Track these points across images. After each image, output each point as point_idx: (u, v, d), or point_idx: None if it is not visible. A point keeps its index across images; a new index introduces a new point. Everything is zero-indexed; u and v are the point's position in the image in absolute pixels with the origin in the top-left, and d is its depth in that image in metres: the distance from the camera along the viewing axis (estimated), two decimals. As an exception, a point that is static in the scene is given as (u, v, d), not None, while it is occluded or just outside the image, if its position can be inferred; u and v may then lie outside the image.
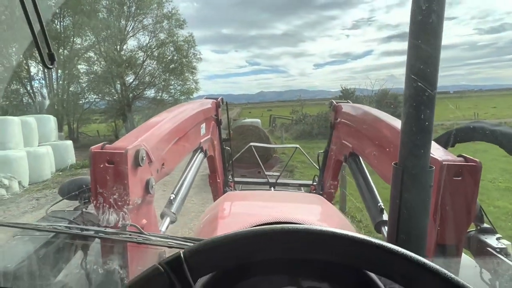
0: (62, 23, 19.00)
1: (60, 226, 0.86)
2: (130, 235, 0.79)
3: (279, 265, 0.54)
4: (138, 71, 20.52)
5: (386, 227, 1.21)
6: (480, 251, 0.95)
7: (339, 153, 2.00)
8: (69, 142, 12.39)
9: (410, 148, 0.57)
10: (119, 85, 19.69)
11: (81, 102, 20.03)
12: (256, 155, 3.39)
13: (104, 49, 19.28)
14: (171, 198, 1.37)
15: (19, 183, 8.28)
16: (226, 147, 2.39)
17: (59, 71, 19.22)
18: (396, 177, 0.61)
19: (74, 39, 19.28)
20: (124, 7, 19.67)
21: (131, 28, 20.35)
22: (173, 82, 21.50)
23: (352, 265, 0.44)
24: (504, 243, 0.93)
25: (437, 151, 0.91)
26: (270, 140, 6.67)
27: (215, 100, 2.08)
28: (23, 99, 19.21)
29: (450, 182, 0.83)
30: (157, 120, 1.27)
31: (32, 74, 19.10)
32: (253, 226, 0.63)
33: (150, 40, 20.89)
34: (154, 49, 20.82)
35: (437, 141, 1.06)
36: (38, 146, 10.85)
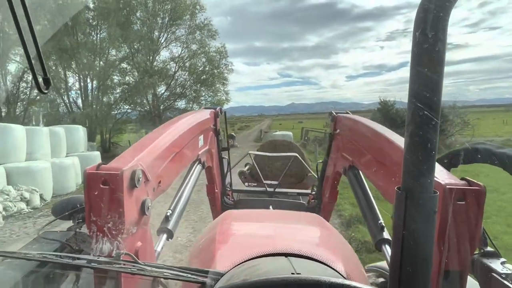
0: (98, 35, 19.47)
1: (50, 254, 0.84)
2: (124, 264, 0.79)
3: None
4: (169, 82, 20.52)
5: (387, 246, 1.22)
6: (485, 275, 0.93)
7: (338, 165, 1.98)
8: (97, 153, 12.20)
9: (414, 174, 0.57)
10: (150, 96, 19.71)
11: (114, 112, 20.25)
12: (255, 164, 3.38)
13: (137, 60, 19.44)
14: (168, 214, 1.33)
15: (41, 196, 7.97)
16: (225, 157, 2.35)
17: (94, 82, 19.65)
18: (399, 202, 0.59)
19: (109, 51, 19.64)
20: (158, 19, 19.83)
21: (164, 39, 20.49)
22: (203, 93, 21.33)
23: None
24: (510, 268, 0.92)
25: (440, 174, 0.90)
26: (305, 156, 5.99)
27: (213, 110, 2.05)
28: (59, 109, 19.72)
29: (454, 207, 0.82)
30: (154, 136, 1.24)
31: (69, 84, 19.64)
32: (255, 257, 0.84)
33: (182, 51, 20.92)
34: (186, 60, 20.78)
35: (439, 161, 1.04)
36: (66, 156, 10.69)
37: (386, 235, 1.28)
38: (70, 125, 12.06)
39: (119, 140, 22.33)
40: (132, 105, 20.28)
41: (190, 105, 21.33)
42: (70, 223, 1.12)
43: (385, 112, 19.57)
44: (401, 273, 0.59)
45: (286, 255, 0.89)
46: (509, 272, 0.91)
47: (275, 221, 1.40)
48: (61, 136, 10.51)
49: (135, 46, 19.62)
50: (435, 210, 0.58)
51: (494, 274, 0.91)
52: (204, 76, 20.80)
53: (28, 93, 20.06)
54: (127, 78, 20.28)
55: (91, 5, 18.93)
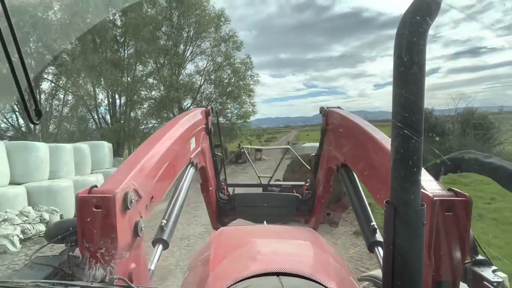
0: (126, 52, 19.73)
1: (43, 282, 0.80)
2: None
3: None
4: (195, 95, 20.35)
5: (379, 248, 1.24)
6: (477, 284, 0.94)
7: (330, 161, 1.97)
8: (122, 169, 11.90)
9: (401, 189, 0.59)
10: (177, 110, 19.57)
11: (141, 127, 20.32)
12: (248, 157, 3.57)
13: (163, 75, 19.46)
14: (162, 224, 1.32)
15: (61, 217, 7.60)
16: (218, 153, 2.33)
17: (122, 97, 19.85)
18: (388, 216, 0.62)
19: (136, 66, 19.82)
20: (183, 32, 19.82)
21: (189, 52, 20.44)
22: (229, 106, 20.93)
23: None
24: (500, 276, 0.93)
25: (428, 184, 0.92)
26: None
27: (204, 109, 2.03)
28: (88, 125, 20.01)
29: (442, 218, 0.84)
30: (145, 150, 1.21)
31: (98, 101, 19.94)
32: (247, 278, 0.84)
33: (208, 64, 20.76)
34: (212, 73, 20.57)
35: (428, 169, 1.04)
36: (91, 173, 10.43)
37: (379, 237, 1.28)
38: (95, 141, 11.88)
39: (146, 155, 22.34)
40: (158, 120, 20.24)
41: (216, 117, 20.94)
42: (63, 247, 1.09)
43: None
44: (393, 284, 0.61)
45: (278, 274, 0.89)
46: (500, 280, 0.91)
47: (268, 239, 1.40)
48: (85, 153, 10.29)
49: (161, 61, 19.66)
50: (423, 222, 0.60)
51: (486, 283, 0.91)
52: (230, 88, 20.46)
53: (60, 110, 20.69)
54: (153, 92, 20.33)
55: (119, 23, 19.31)
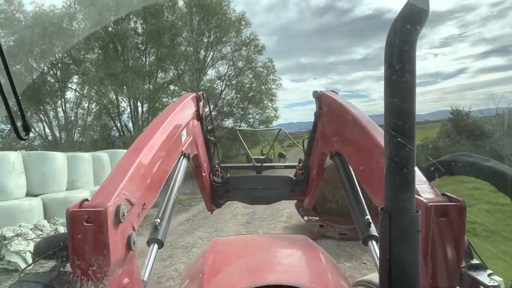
0: (148, 59, 19.71)
1: None
2: None
3: None
4: (216, 101, 19.99)
5: (373, 242, 1.23)
6: None
7: (323, 146, 1.94)
8: (142, 178, 11.57)
9: (395, 197, 0.60)
10: (197, 116, 19.26)
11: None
12: (241, 139, 3.85)
13: (184, 81, 19.27)
14: (156, 223, 1.28)
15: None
16: (210, 137, 2.28)
17: (144, 105, 19.81)
18: (383, 224, 0.63)
19: (157, 73, 19.75)
20: (204, 37, 19.58)
21: (210, 58, 20.16)
22: (251, 111, 20.44)
23: None
24: (496, 279, 0.95)
25: (422, 189, 0.92)
26: None
27: (195, 95, 1.94)
28: (111, 133, 20.08)
29: (437, 223, 0.84)
30: (135, 152, 1.15)
31: (121, 109, 20.00)
32: None
33: (229, 69, 20.39)
34: (233, 78, 20.18)
35: (422, 170, 1.02)
36: (110, 183, 10.13)
37: (373, 231, 1.25)
38: (115, 150, 11.63)
39: (168, 162, 22.22)
40: (180, 127, 20.03)
41: (238, 123, 20.58)
42: (53, 262, 1.07)
43: (459, 122, 16.95)
44: None
45: (274, 287, 0.90)
46: (496, 284, 0.93)
47: (262, 249, 1.38)
48: (104, 162, 10.00)
49: (182, 67, 19.50)
50: (418, 229, 0.61)
51: (482, 287, 0.94)
52: (252, 93, 19.99)
53: (85, 118, 20.99)
54: (175, 99, 20.15)
55: (140, 30, 19.33)
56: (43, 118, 19.59)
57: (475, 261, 1.01)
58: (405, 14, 0.58)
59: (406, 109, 0.58)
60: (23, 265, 5.72)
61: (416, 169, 0.79)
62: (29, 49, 17.38)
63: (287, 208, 9.25)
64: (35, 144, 19.60)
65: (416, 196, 0.67)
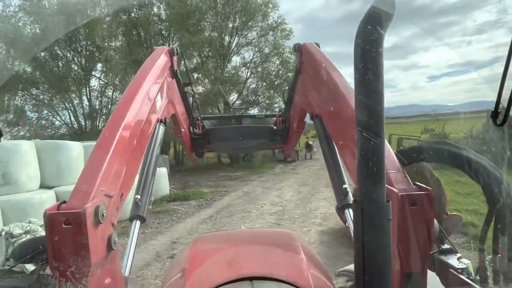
0: (172, 45, 19.09)
1: None
2: None
3: None
4: (241, 89, 19.16)
5: (350, 210, 1.27)
6: (443, 271, 1.00)
7: (303, 104, 1.90)
8: (163, 170, 10.99)
9: (367, 188, 0.64)
10: (221, 105, 18.55)
11: (185, 123, 19.63)
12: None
13: (207, 68, 18.53)
14: (137, 200, 1.30)
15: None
16: (188, 91, 2.20)
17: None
18: (356, 214, 0.67)
19: (181, 61, 19.09)
20: (228, 22, 18.66)
21: (235, 44, 19.26)
22: (277, 100, 19.44)
23: None
24: (465, 262, 0.99)
25: (395, 177, 0.95)
26: (443, 189, 4.91)
27: (168, 49, 1.82)
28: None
29: (408, 212, 0.87)
30: (109, 138, 1.11)
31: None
32: (221, 285, 0.91)
33: (254, 56, 19.42)
34: (258, 65, 19.22)
35: (401, 153, 1.05)
36: (130, 174, 9.59)
37: (350, 199, 1.30)
38: (135, 140, 11.08)
39: (191, 152, 21.81)
40: (202, 115, 19.40)
41: (264, 112, 19.71)
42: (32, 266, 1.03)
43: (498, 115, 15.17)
44: (364, 280, 0.65)
45: (251, 279, 0.93)
46: (464, 267, 0.97)
47: (245, 243, 1.41)
48: (124, 152, 9.44)
49: (205, 53, 18.75)
50: (389, 218, 0.65)
51: (451, 270, 0.98)
52: (278, 81, 18.96)
53: (109, 107, 20.80)
54: (198, 87, 19.52)
55: (163, 16, 18.68)
56: (68, 106, 19.50)
57: (446, 246, 1.06)
58: (369, 17, 0.63)
59: (373, 106, 0.63)
60: (29, 267, 5.18)
61: (394, 156, 1.00)
62: (54, 36, 17.20)
63: (321, 208, 8.31)
64: (61, 132, 19.62)
65: (388, 186, 0.82)
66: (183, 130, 2.27)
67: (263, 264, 1.08)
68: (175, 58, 1.86)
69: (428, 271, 0.94)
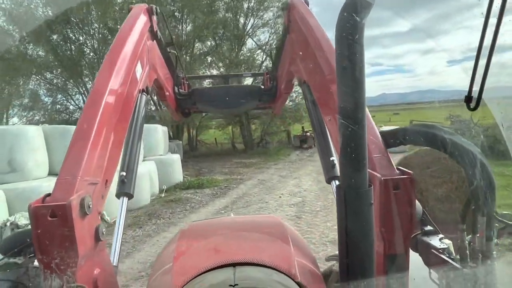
0: (185, 27, 18.52)
1: None
2: None
3: None
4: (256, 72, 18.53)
5: (336, 181, 1.31)
6: (427, 252, 1.04)
7: (291, 65, 1.86)
8: (176, 156, 10.63)
9: (349, 173, 0.66)
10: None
11: (199, 108, 19.23)
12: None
13: (222, 51, 17.93)
14: (122, 177, 1.29)
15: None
16: (171, 51, 2.15)
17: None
18: (339, 198, 0.69)
19: (194, 44, 18.56)
20: (244, 3, 17.89)
21: (250, 25, 18.52)
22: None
23: None
24: (446, 242, 1.03)
25: (379, 162, 0.96)
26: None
27: (146, 7, 1.68)
28: (147, 107, 19.47)
29: (390, 195, 0.89)
30: (88, 123, 1.08)
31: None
32: (205, 271, 0.92)
33: (270, 38, 18.65)
34: (274, 46, 18.46)
35: (385, 134, 1.07)
36: (143, 161, 9.24)
37: (337, 172, 1.30)
38: (148, 125, 10.72)
39: (205, 138, 21.54)
40: (217, 101, 18.93)
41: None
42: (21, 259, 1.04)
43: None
44: (348, 262, 0.68)
45: (235, 264, 0.93)
46: (445, 247, 1.01)
47: (232, 231, 1.39)
48: (136, 137, 9.06)
49: (219, 35, 18.12)
50: (371, 202, 0.68)
51: (434, 250, 1.01)
52: (295, 64, 18.22)
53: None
54: (213, 71, 18.98)
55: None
56: (82, 90, 19.32)
57: (429, 228, 1.09)
58: (348, 5, 0.64)
59: (352, 94, 0.64)
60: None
61: (379, 140, 1.02)
62: (67, 19, 16.88)
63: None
64: (75, 117, 19.53)
65: (371, 171, 0.84)
66: (167, 93, 2.19)
67: (247, 250, 1.09)
68: (154, 17, 1.74)
69: (412, 252, 0.99)
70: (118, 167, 1.25)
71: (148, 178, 8.53)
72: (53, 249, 0.81)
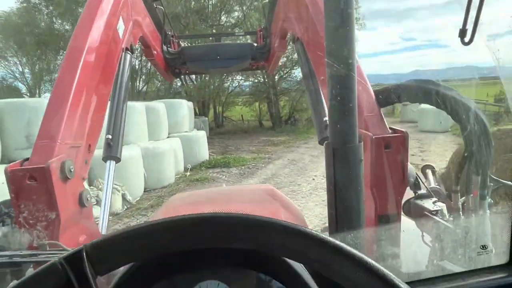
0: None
1: None
2: (50, 254, 0.72)
3: (197, 257, 0.56)
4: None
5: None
6: (420, 215, 1.02)
7: (285, 22, 1.77)
8: (202, 133, 10.13)
9: (338, 129, 0.63)
10: (264, 63, 17.12)
11: (226, 84, 18.58)
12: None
13: (250, 22, 16.97)
14: (108, 140, 1.26)
15: (123, 196, 6.00)
16: (158, 6, 2.03)
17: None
18: (328, 155, 0.66)
19: (221, 15, 17.71)
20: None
21: (280, -6, 17.31)
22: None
23: (267, 252, 0.45)
24: (439, 205, 1.01)
25: (372, 122, 0.95)
26: None
27: None
28: (172, 84, 19.07)
29: (382, 154, 0.89)
30: (67, 85, 1.02)
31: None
32: None
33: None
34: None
35: (379, 92, 1.05)
36: (168, 137, 8.82)
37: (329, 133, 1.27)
38: (173, 100, 10.24)
39: (231, 115, 21.00)
40: (245, 76, 18.16)
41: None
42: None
43: None
44: (337, 218, 0.66)
45: None
46: (439, 209, 0.98)
47: (222, 199, 1.34)
48: (160, 113, 8.57)
49: (248, 4, 17.16)
50: (361, 158, 0.65)
51: (426, 212, 0.99)
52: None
53: (149, 67, 20.26)
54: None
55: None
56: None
57: (422, 191, 1.07)
58: None
59: (347, 49, 0.62)
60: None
61: (373, 99, 0.99)
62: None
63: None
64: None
65: (363, 130, 0.82)
66: (155, 52, 2.13)
67: (239, 210, 1.05)
68: None
69: (405, 218, 0.99)
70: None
71: (172, 156, 8.10)
72: (34, 213, 0.79)
